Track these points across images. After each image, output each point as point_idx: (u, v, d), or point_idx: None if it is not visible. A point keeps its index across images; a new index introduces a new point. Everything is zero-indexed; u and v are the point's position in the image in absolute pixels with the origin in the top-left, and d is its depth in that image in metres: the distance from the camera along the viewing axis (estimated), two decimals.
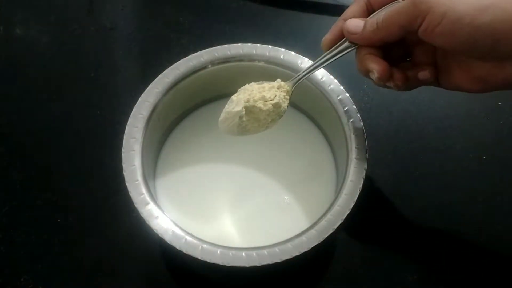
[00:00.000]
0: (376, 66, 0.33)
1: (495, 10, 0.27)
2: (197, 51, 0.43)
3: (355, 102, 0.41)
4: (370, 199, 0.46)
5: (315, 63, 0.37)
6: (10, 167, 0.48)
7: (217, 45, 0.43)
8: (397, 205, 0.47)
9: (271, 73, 0.43)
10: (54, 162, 0.49)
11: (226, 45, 0.43)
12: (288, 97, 0.37)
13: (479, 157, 0.49)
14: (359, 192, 0.36)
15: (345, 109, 0.40)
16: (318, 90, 0.42)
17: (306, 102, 0.46)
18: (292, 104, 0.46)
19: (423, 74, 0.34)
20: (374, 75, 0.33)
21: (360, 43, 0.34)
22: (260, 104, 0.35)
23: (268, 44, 0.43)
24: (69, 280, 0.43)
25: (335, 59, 0.36)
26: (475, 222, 0.46)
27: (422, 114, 0.52)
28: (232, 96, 0.37)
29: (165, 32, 0.58)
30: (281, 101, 0.36)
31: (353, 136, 0.39)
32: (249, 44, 0.43)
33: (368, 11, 0.35)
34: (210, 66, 0.43)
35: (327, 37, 0.36)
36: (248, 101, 0.35)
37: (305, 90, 0.42)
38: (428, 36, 0.30)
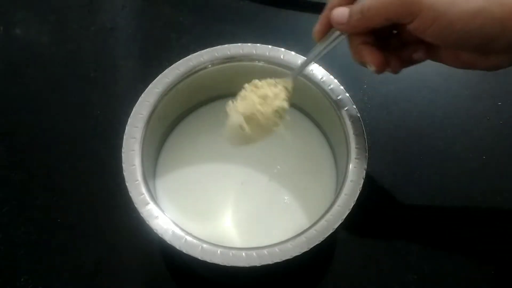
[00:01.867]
0: (372, 59, 0.33)
1: (485, 15, 0.28)
2: (197, 51, 0.43)
3: (355, 102, 0.41)
4: (370, 199, 0.46)
5: (310, 54, 0.36)
6: (10, 167, 0.48)
7: (217, 45, 0.43)
8: (397, 205, 0.46)
9: (271, 73, 0.43)
10: (54, 162, 0.49)
11: (226, 45, 0.43)
12: (287, 93, 0.37)
13: (479, 157, 0.49)
14: (359, 192, 0.36)
15: (345, 109, 0.40)
16: (318, 90, 0.42)
17: (306, 102, 0.46)
18: (292, 104, 0.46)
19: (418, 56, 0.35)
20: (372, 68, 0.34)
21: (347, 33, 0.34)
22: (259, 107, 0.35)
23: (268, 44, 0.43)
24: (69, 280, 0.43)
25: (329, 49, 0.35)
26: (475, 222, 0.46)
27: (422, 114, 0.52)
28: (229, 102, 0.36)
29: (165, 32, 0.58)
30: (279, 100, 0.36)
31: (353, 136, 0.39)
32: (249, 44, 0.43)
33: None
34: (210, 66, 0.43)
35: (317, 27, 0.36)
36: (246, 108, 0.35)
37: (305, 90, 0.42)
38: (419, 35, 0.30)
